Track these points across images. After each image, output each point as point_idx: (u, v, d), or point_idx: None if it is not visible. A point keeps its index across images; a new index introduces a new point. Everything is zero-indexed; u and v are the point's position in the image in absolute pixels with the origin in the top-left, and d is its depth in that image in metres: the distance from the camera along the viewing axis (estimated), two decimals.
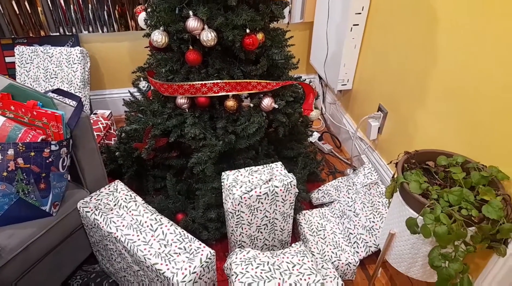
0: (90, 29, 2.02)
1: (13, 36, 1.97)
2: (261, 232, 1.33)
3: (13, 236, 1.06)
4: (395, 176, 1.15)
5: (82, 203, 1.20)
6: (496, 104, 1.09)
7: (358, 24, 1.77)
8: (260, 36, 1.30)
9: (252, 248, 1.33)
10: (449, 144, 1.30)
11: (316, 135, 2.18)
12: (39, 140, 1.07)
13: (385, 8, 1.60)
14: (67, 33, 2.01)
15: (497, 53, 1.06)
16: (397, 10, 1.52)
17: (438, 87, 1.33)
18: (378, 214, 1.52)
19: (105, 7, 1.97)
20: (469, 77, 1.18)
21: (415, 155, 1.18)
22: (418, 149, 1.21)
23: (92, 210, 1.18)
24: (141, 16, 1.37)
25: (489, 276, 1.14)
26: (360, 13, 1.74)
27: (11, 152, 1.01)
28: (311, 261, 1.17)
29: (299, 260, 1.17)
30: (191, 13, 1.21)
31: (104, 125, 1.91)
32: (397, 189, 1.11)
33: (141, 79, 1.66)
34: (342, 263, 1.36)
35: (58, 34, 2.00)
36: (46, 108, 1.10)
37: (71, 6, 1.93)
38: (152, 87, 1.50)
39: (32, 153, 1.04)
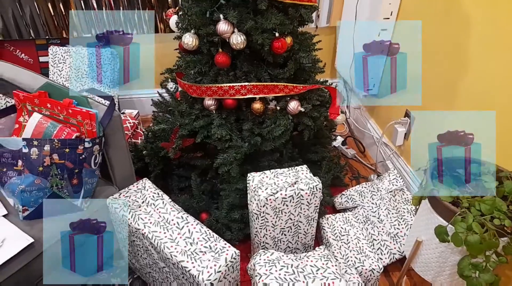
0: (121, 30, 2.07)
1: (47, 37, 2.04)
2: (285, 235, 1.33)
3: (45, 230, 1.09)
4: (423, 183, 1.13)
5: (111, 200, 1.23)
6: None
7: (386, 29, 1.76)
8: (288, 39, 1.31)
9: (275, 250, 1.33)
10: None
11: (339, 139, 2.16)
12: (73, 137, 1.11)
13: (414, 13, 1.59)
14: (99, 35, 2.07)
15: None
16: (426, 15, 1.51)
17: (468, 94, 1.30)
18: (403, 221, 1.49)
19: (135, 10, 2.02)
20: (501, 84, 1.15)
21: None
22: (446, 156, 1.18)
23: (120, 206, 1.21)
24: (173, 19, 1.40)
25: None
26: (388, 18, 1.73)
27: (47, 148, 1.05)
28: (335, 265, 1.17)
29: (323, 264, 1.17)
30: (221, 16, 1.23)
31: (132, 124, 1.95)
32: (426, 196, 1.10)
33: (169, 80, 1.69)
34: (366, 269, 1.34)
35: (89, 35, 2.07)
36: (80, 107, 1.14)
37: (103, 8, 1.99)
38: (180, 88, 1.53)
39: (67, 150, 1.07)
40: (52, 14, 1.97)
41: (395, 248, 1.44)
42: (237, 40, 1.22)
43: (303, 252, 1.44)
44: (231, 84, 1.31)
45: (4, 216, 1.11)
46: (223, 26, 1.22)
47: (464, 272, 0.94)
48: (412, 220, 1.49)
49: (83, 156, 1.11)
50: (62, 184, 1.10)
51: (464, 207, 0.98)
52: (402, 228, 1.48)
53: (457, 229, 0.91)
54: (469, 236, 0.89)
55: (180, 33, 1.35)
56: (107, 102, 1.18)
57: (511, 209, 0.97)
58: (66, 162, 1.08)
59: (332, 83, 1.58)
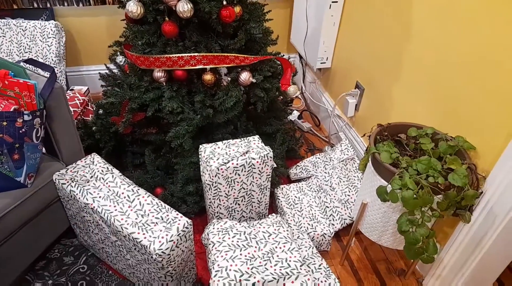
0: (65, 3, 1.96)
1: None
2: (239, 204, 1.36)
3: None
4: (368, 148, 1.18)
5: (58, 175, 1.19)
6: (463, 77, 1.12)
7: (337, 1, 1.78)
8: (237, 8, 1.30)
9: (228, 219, 1.35)
10: (421, 117, 1.34)
11: (296, 113, 2.20)
12: (11, 110, 1.05)
13: None
14: (41, 7, 1.95)
15: (465, 27, 1.09)
16: None
17: (411, 63, 1.36)
18: (353, 188, 1.56)
19: None
20: (439, 51, 1.21)
21: (387, 127, 1.22)
22: (389, 122, 1.24)
23: (68, 182, 1.17)
24: None
25: (455, 242, 1.20)
26: None
27: None
28: (287, 230, 1.21)
29: (275, 230, 1.20)
30: None
31: (81, 101, 1.88)
32: (369, 160, 1.15)
33: (118, 53, 1.63)
34: (318, 234, 1.40)
35: (31, 7, 1.94)
36: (18, 78, 1.08)
37: None
38: (128, 61, 1.48)
39: (5, 123, 1.02)
40: None
41: (346, 213, 1.51)
42: (184, 8, 1.19)
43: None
44: (180, 55, 1.29)
45: None
46: None
47: (402, 228, 1.00)
48: None
49: (23, 129, 1.06)
50: (2, 159, 1.05)
51: (403, 167, 1.03)
52: (353, 194, 1.54)
53: (393, 186, 0.96)
54: (404, 192, 0.94)
55: (125, 1, 1.30)
56: (48, 73, 1.12)
57: (445, 168, 1.04)
58: (4, 136, 1.03)
59: (283, 55, 1.59)
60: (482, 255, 1.12)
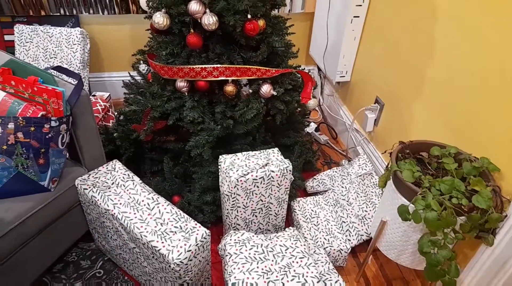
0: (91, 11, 2.01)
1: (12, 14, 1.96)
2: (256, 216, 1.35)
3: (10, 210, 1.07)
4: (389, 165, 1.17)
5: (80, 180, 1.21)
6: (488, 98, 1.11)
7: (358, 16, 1.78)
8: (261, 22, 1.31)
9: (246, 231, 1.35)
10: (443, 136, 1.33)
11: (313, 125, 2.19)
12: (39, 116, 1.08)
13: (386, 0, 1.61)
14: (68, 14, 2.00)
15: (488, 49, 1.08)
16: (397, 3, 1.54)
17: (434, 81, 1.35)
18: (371, 204, 1.54)
19: None
20: (463, 71, 1.20)
21: (409, 145, 1.21)
22: (411, 140, 1.23)
23: (89, 187, 1.19)
24: None
25: (477, 265, 1.17)
26: (361, 5, 1.75)
27: (11, 126, 1.02)
28: (304, 245, 1.20)
29: (292, 243, 1.20)
30: None
31: (103, 107, 1.91)
32: (390, 177, 1.14)
33: (141, 62, 1.66)
34: (334, 249, 1.38)
35: (58, 14, 2.00)
36: (46, 85, 1.10)
37: None
38: (152, 70, 1.51)
39: (32, 128, 1.05)
40: None
41: (362, 229, 1.49)
42: (209, 20, 1.21)
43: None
44: (203, 66, 1.30)
45: None
46: (194, 6, 1.20)
47: (423, 249, 0.98)
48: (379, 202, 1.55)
49: (50, 135, 1.08)
50: (27, 163, 1.07)
51: (425, 187, 1.02)
52: (370, 210, 1.53)
53: (417, 206, 0.95)
54: (428, 213, 0.93)
55: (151, 12, 1.33)
56: (75, 81, 1.15)
57: (469, 190, 1.02)
58: (31, 140, 1.05)
59: (306, 69, 1.60)
60: (505, 280, 1.09)
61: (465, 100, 1.21)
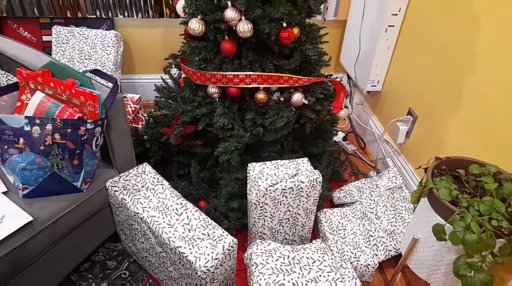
0: (126, 13, 2.05)
1: (51, 16, 2.02)
2: (283, 226, 1.34)
3: (44, 209, 1.09)
4: (423, 181, 1.14)
5: (111, 182, 1.23)
6: None
7: (393, 26, 1.75)
8: (296, 30, 1.30)
9: (272, 241, 1.34)
10: (480, 153, 1.28)
11: (340, 134, 2.16)
12: (75, 118, 1.10)
13: (424, 11, 1.57)
14: (103, 16, 2.05)
15: None
16: (436, 14, 1.49)
17: (473, 95, 1.30)
18: (400, 219, 1.50)
19: None
20: (506, 86, 1.15)
21: (445, 161, 1.16)
22: (447, 156, 1.18)
23: (120, 189, 1.21)
24: (179, 4, 1.39)
25: None
26: (396, 15, 1.72)
27: (49, 127, 1.05)
28: (331, 259, 1.17)
29: (319, 256, 1.18)
30: (229, 3, 1.21)
31: (133, 108, 1.94)
32: (425, 194, 1.10)
33: (173, 66, 1.68)
34: (361, 264, 1.35)
35: (94, 16, 2.05)
36: (84, 87, 1.13)
37: None
38: (183, 75, 1.52)
39: (69, 130, 1.07)
40: None
41: (391, 245, 1.45)
42: (244, 28, 1.21)
43: (299, 245, 1.45)
44: (235, 73, 1.30)
45: (3, 193, 1.10)
46: (230, 13, 1.21)
47: (459, 271, 0.94)
48: (409, 218, 1.50)
49: (85, 137, 1.10)
50: (62, 164, 1.10)
51: (463, 206, 0.98)
52: (399, 225, 1.48)
53: (456, 227, 0.91)
54: (467, 235, 0.89)
55: (187, 18, 1.34)
56: (110, 84, 1.17)
57: (510, 211, 0.98)
58: (67, 142, 1.08)
59: (336, 78, 1.57)
60: None
61: (507, 117, 1.16)
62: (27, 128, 1.04)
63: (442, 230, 0.98)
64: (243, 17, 1.22)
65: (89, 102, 1.11)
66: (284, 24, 1.25)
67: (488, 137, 1.24)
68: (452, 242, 0.92)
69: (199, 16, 1.27)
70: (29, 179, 1.06)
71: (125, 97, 2.04)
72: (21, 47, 1.28)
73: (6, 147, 1.06)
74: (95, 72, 1.23)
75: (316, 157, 1.71)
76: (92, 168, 1.18)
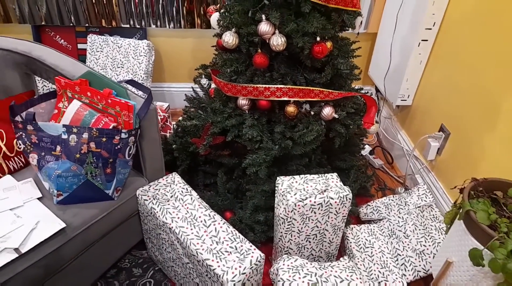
0: (158, 23, 2.10)
1: (87, 25, 2.08)
2: (310, 242, 1.32)
3: (77, 216, 1.12)
4: (458, 203, 1.10)
5: (141, 191, 1.24)
6: None
7: (427, 40, 1.71)
8: (329, 44, 1.29)
9: (298, 256, 1.32)
10: None
11: (367, 148, 2.13)
12: (111, 127, 1.12)
13: (459, 25, 1.54)
14: (137, 26, 2.10)
15: None
16: (471, 28, 1.46)
17: (511, 111, 1.25)
18: (430, 238, 1.46)
19: (175, 3, 2.04)
20: None
21: (483, 183, 1.12)
22: (482, 176, 1.14)
23: (150, 198, 1.22)
24: (214, 17, 1.41)
25: None
26: (430, 29, 1.68)
27: (85, 135, 1.07)
28: (360, 278, 1.15)
29: (347, 275, 1.15)
30: (263, 17, 1.22)
31: (162, 117, 1.97)
32: (461, 217, 1.06)
33: (203, 76, 1.70)
34: (389, 284, 1.31)
35: (128, 26, 2.10)
36: (119, 97, 1.15)
37: (143, 0, 2.01)
38: (214, 86, 1.53)
39: (104, 139, 1.09)
40: (93, 2, 2.00)
41: (420, 265, 1.41)
42: (278, 41, 1.21)
43: (326, 261, 1.42)
44: (267, 86, 1.30)
45: (38, 199, 1.13)
46: (264, 27, 1.21)
47: None
48: (440, 238, 1.45)
49: (119, 146, 1.12)
50: (96, 172, 1.12)
51: (503, 232, 0.94)
52: (429, 245, 1.44)
53: (497, 255, 0.87)
54: (509, 263, 0.85)
55: (221, 31, 1.35)
56: (145, 95, 1.19)
57: None
58: (102, 151, 1.10)
59: (367, 92, 1.55)
60: None
61: None
62: (64, 136, 1.07)
63: (480, 256, 0.94)
64: (277, 31, 1.22)
65: (124, 112, 1.13)
66: (318, 38, 1.24)
67: None
68: (492, 270, 0.88)
69: (233, 29, 1.28)
70: (64, 186, 1.09)
71: None
72: (60, 56, 1.32)
73: (43, 154, 1.09)
74: (130, 82, 1.26)
75: (344, 171, 1.68)
76: (124, 177, 1.20)
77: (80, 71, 1.25)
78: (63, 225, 1.05)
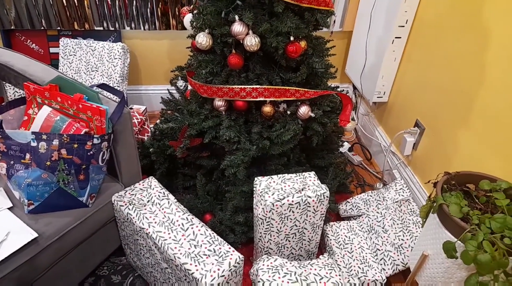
0: (133, 25, 2.07)
1: (59, 28, 2.03)
2: (289, 241, 1.32)
3: (50, 224, 1.09)
4: (432, 196, 1.12)
5: (117, 197, 1.22)
6: None
7: (400, 37, 1.74)
8: (303, 44, 1.30)
9: (278, 256, 1.32)
10: (490, 168, 1.26)
11: (346, 145, 2.15)
12: (82, 133, 1.10)
13: (431, 22, 1.57)
14: (110, 28, 2.06)
15: None
16: (443, 25, 1.49)
17: (483, 107, 1.28)
18: (408, 232, 1.48)
19: (149, 5, 2.01)
20: None
21: (455, 176, 1.15)
22: (456, 170, 1.16)
23: (126, 204, 1.20)
24: (187, 18, 1.39)
25: None
26: (403, 26, 1.71)
27: (56, 142, 1.05)
28: (339, 275, 1.16)
29: (326, 273, 1.16)
30: (237, 17, 1.21)
31: (139, 120, 1.94)
32: (435, 210, 1.08)
33: (179, 78, 1.68)
34: (369, 280, 1.33)
35: (101, 28, 2.06)
36: (91, 102, 1.13)
37: (116, 1, 1.98)
38: (190, 87, 1.52)
39: (75, 145, 1.07)
40: (65, 5, 1.96)
41: (398, 259, 1.43)
42: (252, 42, 1.21)
43: (306, 259, 1.43)
44: (242, 86, 1.30)
45: (9, 209, 1.10)
46: (238, 27, 1.21)
47: None
48: (417, 232, 1.48)
49: (91, 152, 1.10)
50: (68, 179, 1.09)
51: (474, 224, 0.96)
52: (407, 239, 1.46)
53: (468, 247, 0.89)
54: (480, 255, 0.87)
55: (194, 32, 1.34)
56: (118, 98, 1.17)
57: None
58: (74, 157, 1.07)
59: (343, 90, 1.57)
60: None
61: None
62: (33, 144, 1.04)
63: (453, 248, 0.96)
64: (250, 31, 1.22)
65: (96, 117, 1.10)
66: (292, 38, 1.24)
67: (499, 151, 1.22)
68: (464, 262, 0.90)
69: (206, 30, 1.27)
70: (35, 194, 1.06)
71: (131, 108, 2.04)
72: (29, 61, 1.29)
73: (12, 162, 1.06)
74: (103, 86, 1.23)
75: (323, 169, 1.69)
76: (98, 183, 1.18)
77: (50, 76, 1.22)
78: (35, 235, 1.02)
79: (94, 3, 1.97)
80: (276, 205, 1.19)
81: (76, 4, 1.97)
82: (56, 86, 1.17)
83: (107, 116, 1.11)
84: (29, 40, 2.07)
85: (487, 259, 0.86)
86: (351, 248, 1.45)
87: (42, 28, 2.01)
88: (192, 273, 1.03)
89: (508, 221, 0.95)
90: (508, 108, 1.17)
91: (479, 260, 0.86)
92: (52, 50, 2.10)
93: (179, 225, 1.15)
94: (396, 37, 1.73)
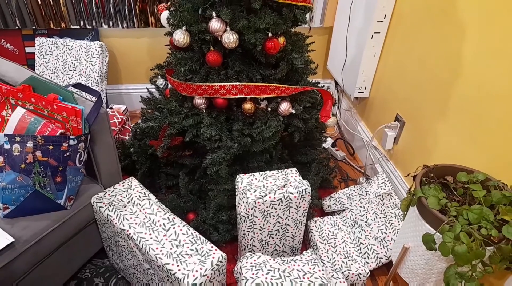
0: (110, 23, 2.03)
1: (34, 27, 1.98)
2: (273, 238, 1.32)
3: (27, 228, 1.06)
4: (412, 190, 1.13)
5: (96, 198, 1.20)
6: None
7: (379, 32, 1.75)
8: (281, 40, 1.29)
9: (262, 253, 1.32)
10: (468, 159, 1.28)
11: (329, 141, 2.16)
12: (58, 134, 1.07)
13: (409, 17, 1.58)
14: (87, 27, 2.02)
15: None
16: (420, 20, 1.50)
17: (460, 100, 1.30)
18: (390, 226, 1.50)
19: (126, 2, 1.97)
20: (493, 91, 1.15)
21: (433, 169, 1.16)
22: (436, 162, 1.19)
23: (105, 205, 1.18)
24: (164, 15, 1.37)
25: None
26: (382, 21, 1.72)
27: (30, 144, 1.02)
28: (322, 270, 1.16)
29: (310, 268, 1.16)
30: (214, 14, 1.20)
31: (120, 120, 1.91)
32: (415, 203, 1.09)
33: (159, 76, 1.66)
34: (353, 274, 1.34)
35: (78, 27, 2.02)
36: (66, 102, 1.10)
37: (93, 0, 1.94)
38: (170, 86, 1.50)
39: (51, 147, 1.04)
40: (39, 3, 1.91)
41: (382, 252, 1.44)
42: (229, 39, 1.20)
43: (290, 255, 1.43)
44: (222, 84, 1.29)
45: None
46: (215, 24, 1.19)
47: (450, 281, 0.94)
48: (399, 225, 1.50)
49: (68, 153, 1.07)
50: (45, 182, 1.07)
51: (452, 215, 0.98)
52: (390, 232, 1.48)
53: (445, 238, 0.91)
54: (457, 246, 0.88)
55: (171, 29, 1.32)
56: (94, 98, 1.15)
57: (498, 219, 0.98)
58: (49, 159, 1.05)
59: (324, 86, 1.57)
60: None
61: (495, 123, 1.16)
62: (7, 146, 1.01)
63: (432, 240, 0.98)
64: (228, 28, 1.21)
65: (72, 117, 1.08)
66: (270, 34, 1.24)
67: (476, 143, 1.24)
68: (442, 253, 0.91)
69: (183, 27, 1.25)
70: (10, 198, 1.03)
71: (111, 108, 2.01)
72: (1, 61, 1.25)
73: None
74: (78, 86, 1.20)
75: (306, 165, 1.70)
76: (76, 185, 1.15)
77: (23, 76, 1.19)
78: (11, 240, 1.00)
79: (69, 1, 1.93)
80: (258, 202, 1.19)
81: (51, 3, 1.92)
82: (30, 86, 1.14)
83: (83, 116, 1.08)
84: (3, 40, 2.01)
85: (464, 250, 0.87)
86: (334, 243, 1.45)
87: (17, 27, 1.96)
88: (174, 273, 1.02)
89: (485, 212, 0.97)
90: (484, 100, 1.20)
91: (456, 251, 0.88)
92: (28, 49, 2.05)
93: (160, 225, 1.14)
94: (375, 32, 1.74)
